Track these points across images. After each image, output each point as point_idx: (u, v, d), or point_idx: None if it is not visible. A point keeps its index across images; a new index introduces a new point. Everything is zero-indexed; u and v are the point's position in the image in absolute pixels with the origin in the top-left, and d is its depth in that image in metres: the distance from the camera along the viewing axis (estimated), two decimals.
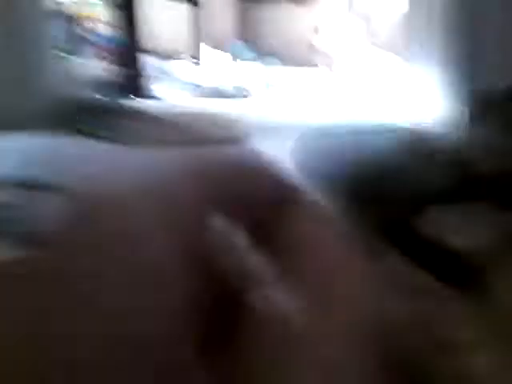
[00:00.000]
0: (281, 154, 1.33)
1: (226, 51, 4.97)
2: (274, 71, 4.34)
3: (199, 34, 3.49)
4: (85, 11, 3.93)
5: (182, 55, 4.04)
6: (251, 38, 5.26)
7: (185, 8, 3.53)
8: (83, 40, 3.84)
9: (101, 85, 3.55)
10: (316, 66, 4.69)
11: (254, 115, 2.27)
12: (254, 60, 4.83)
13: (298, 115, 2.30)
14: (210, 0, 3.50)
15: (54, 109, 0.64)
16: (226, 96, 3.71)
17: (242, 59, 4.88)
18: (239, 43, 5.11)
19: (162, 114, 2.05)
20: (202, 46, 3.59)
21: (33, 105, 1.70)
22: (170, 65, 3.99)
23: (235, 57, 4.88)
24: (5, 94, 1.67)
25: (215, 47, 4.79)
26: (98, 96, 2.11)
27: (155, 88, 3.70)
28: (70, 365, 0.20)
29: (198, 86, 3.59)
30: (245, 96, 3.76)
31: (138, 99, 2.68)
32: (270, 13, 5.03)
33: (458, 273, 0.31)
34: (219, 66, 4.16)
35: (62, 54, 2.71)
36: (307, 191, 0.22)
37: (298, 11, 4.86)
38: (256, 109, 2.71)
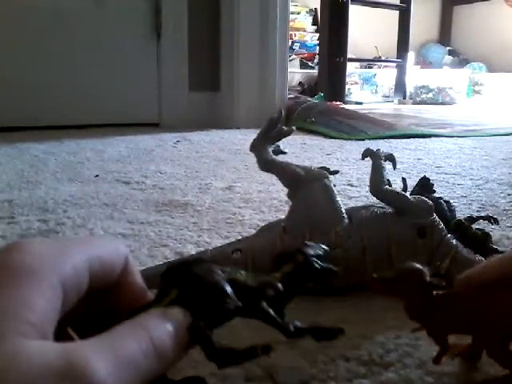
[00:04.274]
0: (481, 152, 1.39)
1: (427, 55, 4.90)
2: (480, 77, 4.15)
3: (406, 39, 3.53)
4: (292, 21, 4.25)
5: (386, 61, 4.12)
6: (454, 42, 5.07)
7: (393, 14, 3.60)
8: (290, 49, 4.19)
9: (305, 91, 3.84)
10: None
11: (457, 120, 2.28)
12: (457, 65, 4.66)
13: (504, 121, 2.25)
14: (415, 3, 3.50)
15: (282, 108, 0.79)
16: (428, 101, 3.71)
17: (444, 64, 4.75)
18: (441, 47, 4.97)
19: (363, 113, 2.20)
20: (409, 52, 3.62)
21: (268, 103, 2.03)
22: (372, 71, 4.11)
23: (436, 61, 4.78)
24: (252, 93, 2.04)
25: (416, 51, 4.76)
26: (309, 99, 2.35)
27: (357, 93, 3.86)
28: None
29: (401, 91, 3.64)
30: (447, 102, 3.71)
31: (340, 103, 2.86)
32: (477, 13, 4.76)
33: None
34: (420, 71, 4.13)
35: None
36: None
37: (509, 10, 4.48)
38: (459, 114, 2.68)
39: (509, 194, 0.92)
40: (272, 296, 0.28)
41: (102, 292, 0.24)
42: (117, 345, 0.20)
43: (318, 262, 0.30)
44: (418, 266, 0.34)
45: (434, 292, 0.33)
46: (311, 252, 0.31)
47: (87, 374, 0.18)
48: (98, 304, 0.24)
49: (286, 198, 0.55)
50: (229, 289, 0.26)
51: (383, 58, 4.22)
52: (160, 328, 0.22)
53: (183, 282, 0.26)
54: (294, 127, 0.58)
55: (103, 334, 0.20)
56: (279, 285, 0.29)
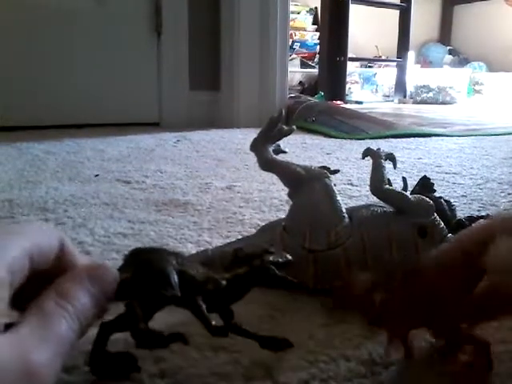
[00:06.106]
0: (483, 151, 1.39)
1: (427, 54, 4.89)
2: (480, 76, 4.15)
3: (407, 38, 3.53)
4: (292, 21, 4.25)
5: (386, 60, 4.12)
6: (454, 41, 5.06)
7: (393, 13, 3.60)
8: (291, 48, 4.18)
9: (305, 90, 3.84)
10: None
11: (457, 120, 2.28)
12: (457, 64, 4.66)
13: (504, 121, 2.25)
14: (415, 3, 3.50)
15: (283, 108, 0.80)
16: (428, 101, 3.71)
17: (444, 63, 4.74)
18: (441, 46, 4.97)
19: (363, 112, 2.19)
20: (409, 51, 3.62)
21: (269, 104, 2.03)
22: (373, 70, 4.11)
23: (436, 61, 4.77)
24: (252, 93, 2.04)
25: (417, 51, 4.75)
26: (310, 98, 2.35)
27: (357, 92, 3.86)
28: None
29: (401, 91, 3.64)
30: (447, 102, 3.71)
31: (340, 103, 2.86)
32: (477, 13, 4.76)
33: None
34: (420, 71, 4.13)
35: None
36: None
37: (509, 10, 4.46)
38: (460, 114, 2.68)
39: (509, 194, 0.92)
40: (211, 290, 0.30)
41: (43, 272, 0.27)
42: (50, 329, 0.23)
43: (275, 269, 0.32)
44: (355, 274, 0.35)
45: (381, 293, 0.33)
46: (270, 259, 0.33)
47: (36, 371, 0.21)
48: (42, 283, 0.27)
49: (287, 198, 0.55)
50: (173, 277, 0.29)
51: (383, 58, 4.22)
52: (84, 298, 0.26)
53: (138, 265, 0.29)
54: (294, 126, 0.58)
55: (35, 315, 0.24)
56: (223, 282, 0.31)
